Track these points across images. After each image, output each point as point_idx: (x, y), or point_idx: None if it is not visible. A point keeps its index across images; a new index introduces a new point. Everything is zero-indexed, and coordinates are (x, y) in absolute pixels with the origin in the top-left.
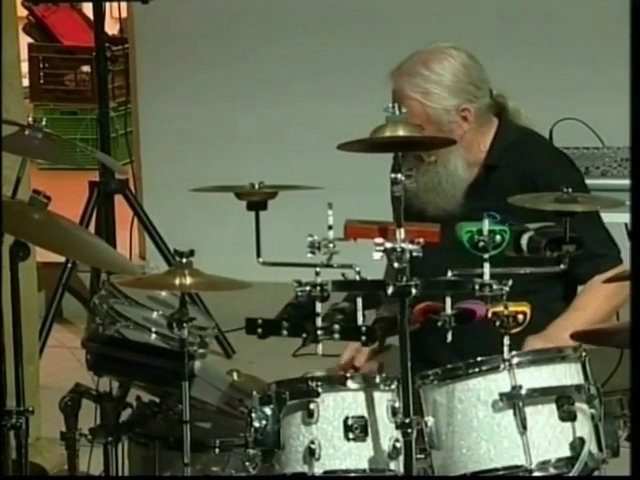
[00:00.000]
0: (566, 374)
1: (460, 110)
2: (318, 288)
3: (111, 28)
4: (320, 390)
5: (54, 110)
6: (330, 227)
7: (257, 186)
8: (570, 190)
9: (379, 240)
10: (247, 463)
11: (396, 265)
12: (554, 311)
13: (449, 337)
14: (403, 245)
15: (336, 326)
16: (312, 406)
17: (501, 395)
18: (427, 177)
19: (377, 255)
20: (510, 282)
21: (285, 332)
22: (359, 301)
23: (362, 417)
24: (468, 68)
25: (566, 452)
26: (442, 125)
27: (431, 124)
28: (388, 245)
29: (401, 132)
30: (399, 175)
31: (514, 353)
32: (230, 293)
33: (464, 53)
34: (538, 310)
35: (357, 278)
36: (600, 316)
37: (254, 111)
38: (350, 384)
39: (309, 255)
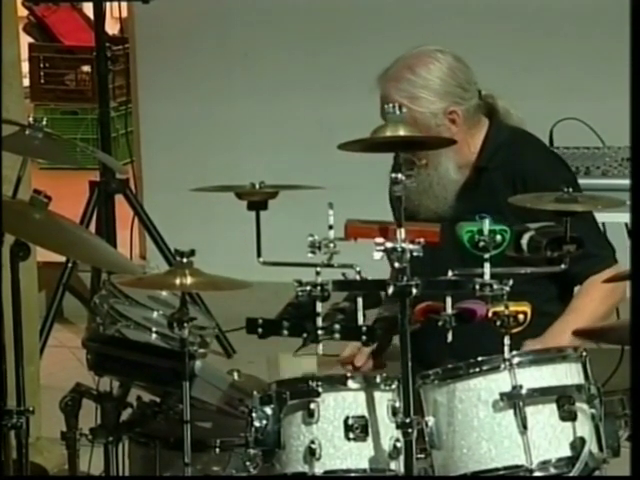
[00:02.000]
0: (567, 374)
1: (448, 113)
2: (318, 288)
3: (111, 28)
4: (320, 390)
5: (55, 110)
6: (331, 227)
7: (258, 186)
8: (570, 190)
9: (379, 240)
10: (248, 463)
11: (396, 265)
12: (549, 312)
13: (449, 337)
14: (404, 245)
15: (336, 326)
16: (312, 406)
17: (502, 395)
18: (418, 180)
19: (377, 255)
20: (511, 282)
21: (285, 332)
22: (359, 301)
23: (363, 417)
24: (454, 71)
25: (567, 452)
26: (430, 129)
27: (419, 128)
28: (389, 245)
29: (401, 132)
30: (399, 175)
31: (515, 353)
32: (231, 293)
33: (450, 56)
34: (532, 311)
35: (357, 278)
36: (597, 317)
37: (254, 111)
38: (351, 384)
39: (310, 255)
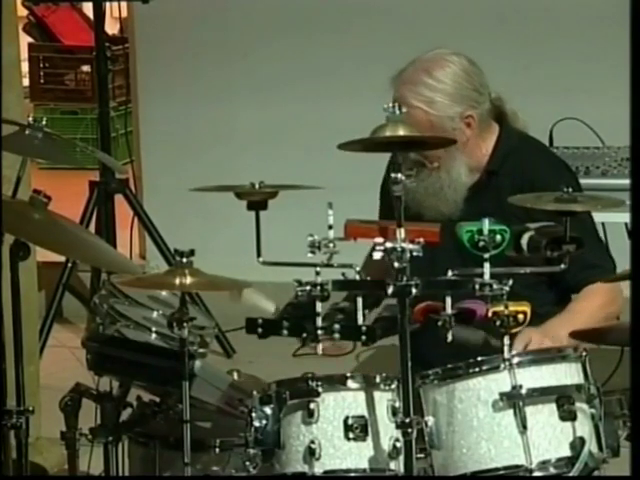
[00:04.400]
0: (566, 374)
1: (464, 117)
2: (318, 288)
3: (111, 28)
4: (320, 390)
5: (54, 110)
6: (330, 227)
7: (257, 186)
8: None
9: (379, 240)
10: (247, 463)
11: (396, 265)
12: (547, 316)
13: (449, 337)
14: (403, 245)
15: (336, 326)
16: (312, 406)
17: (501, 395)
18: (428, 182)
19: (377, 255)
20: (511, 282)
21: (285, 332)
22: (359, 301)
23: (362, 417)
24: (469, 74)
25: (566, 452)
26: (446, 132)
27: (435, 132)
28: (388, 245)
29: (401, 132)
30: (399, 175)
31: (514, 353)
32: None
33: (465, 59)
34: (531, 315)
35: (357, 278)
36: (594, 322)
37: (254, 111)
38: (350, 384)
39: (309, 255)
